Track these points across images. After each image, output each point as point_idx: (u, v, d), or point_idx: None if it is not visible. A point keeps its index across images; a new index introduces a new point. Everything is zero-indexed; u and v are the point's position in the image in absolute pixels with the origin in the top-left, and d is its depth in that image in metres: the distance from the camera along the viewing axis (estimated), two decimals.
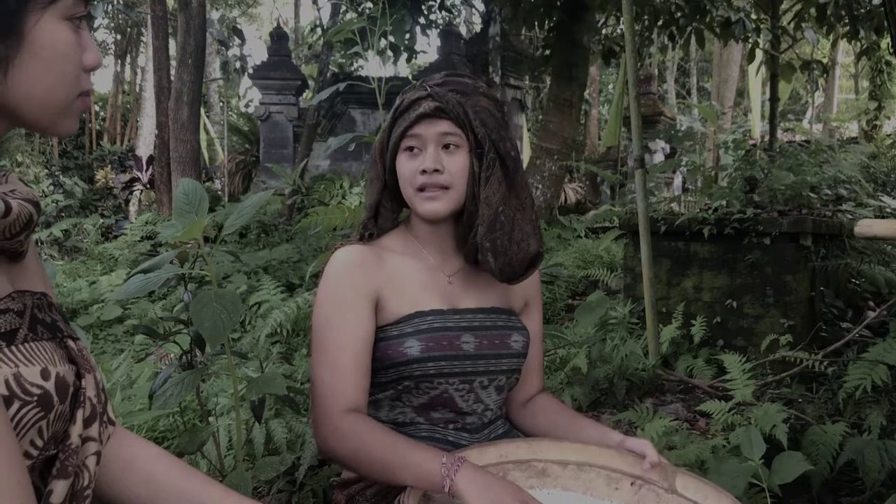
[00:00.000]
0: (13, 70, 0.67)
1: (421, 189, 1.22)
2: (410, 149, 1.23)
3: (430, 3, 8.78)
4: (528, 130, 12.75)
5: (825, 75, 8.54)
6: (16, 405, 0.64)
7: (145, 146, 14.70)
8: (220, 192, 11.61)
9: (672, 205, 4.97)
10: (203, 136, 12.12)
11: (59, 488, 0.70)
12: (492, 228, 1.20)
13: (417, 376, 1.20)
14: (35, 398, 0.66)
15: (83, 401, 0.73)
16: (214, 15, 16.38)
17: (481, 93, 1.25)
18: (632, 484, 1.16)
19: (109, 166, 14.32)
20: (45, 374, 0.67)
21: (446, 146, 1.22)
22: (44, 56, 0.68)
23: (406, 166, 1.24)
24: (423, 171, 1.21)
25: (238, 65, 12.22)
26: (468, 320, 1.26)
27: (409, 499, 1.02)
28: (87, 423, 0.74)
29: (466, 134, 1.21)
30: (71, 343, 0.75)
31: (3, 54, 0.66)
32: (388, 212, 1.31)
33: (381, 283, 1.23)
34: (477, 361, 1.23)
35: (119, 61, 20.62)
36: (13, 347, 0.66)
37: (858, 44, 7.08)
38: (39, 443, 0.68)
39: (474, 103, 1.23)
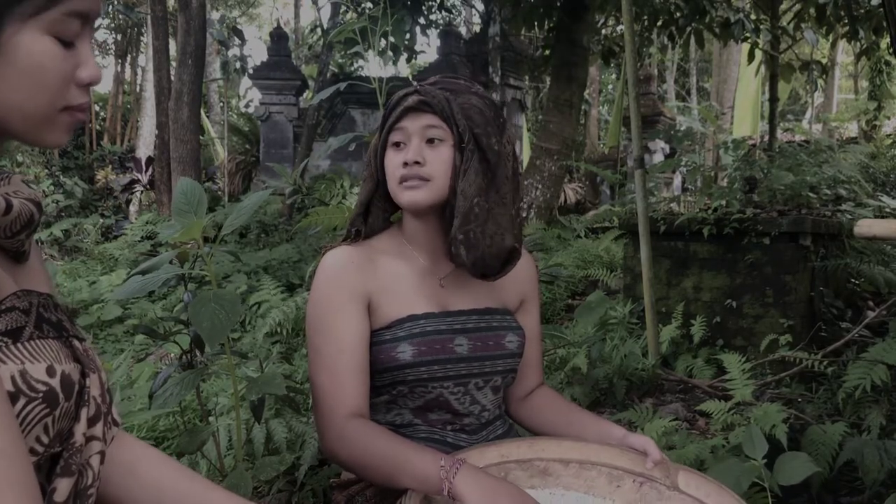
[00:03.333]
0: None
1: (403, 179, 1.22)
2: (397, 144, 1.23)
3: (430, 3, 8.79)
4: (528, 130, 12.75)
5: (824, 75, 8.53)
6: (21, 401, 0.65)
7: (145, 146, 14.69)
8: (220, 192, 11.61)
9: (672, 205, 4.98)
10: (203, 136, 12.12)
11: (63, 486, 0.70)
12: (466, 220, 1.19)
13: (411, 381, 1.19)
14: (41, 395, 0.66)
15: (88, 400, 0.73)
16: (214, 15, 16.38)
17: (473, 92, 1.24)
18: (633, 481, 1.16)
19: (110, 166, 14.32)
20: (50, 372, 0.68)
21: (430, 140, 1.21)
22: (21, 65, 0.67)
23: (392, 161, 1.23)
24: (405, 164, 1.20)
25: (238, 65, 12.22)
26: (461, 322, 1.25)
27: (410, 501, 1.02)
28: (92, 422, 0.74)
29: (451, 128, 1.20)
30: (76, 343, 0.75)
31: None
32: (379, 211, 1.30)
33: (372, 286, 1.22)
34: (471, 364, 1.23)
35: (119, 61, 20.62)
36: (19, 345, 0.67)
37: (858, 44, 7.08)
38: (45, 439, 0.68)
39: (464, 100, 1.22)
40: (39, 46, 0.68)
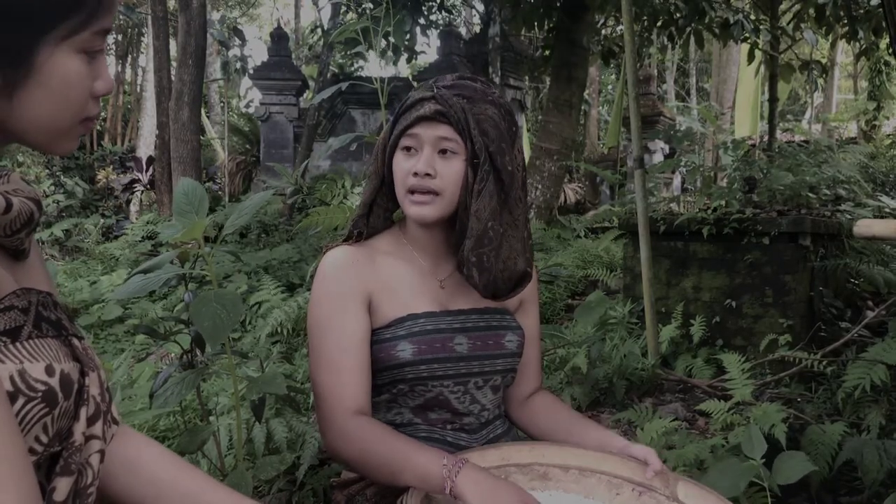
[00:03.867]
0: (18, 94, 0.68)
1: (411, 192, 1.20)
2: (407, 148, 1.21)
3: (430, 3, 8.79)
4: (528, 131, 12.75)
5: (824, 76, 8.53)
6: (20, 401, 0.65)
7: (146, 146, 14.69)
8: (220, 192, 11.61)
9: (671, 205, 4.99)
10: (203, 136, 12.13)
11: (63, 486, 0.70)
12: (479, 243, 1.18)
13: (411, 379, 1.20)
14: (40, 394, 0.66)
15: (87, 399, 0.73)
16: (215, 16, 16.38)
17: (490, 100, 1.22)
18: (633, 490, 1.16)
19: (110, 166, 14.32)
20: (49, 371, 0.68)
21: (443, 151, 1.19)
22: (52, 85, 0.69)
23: (401, 166, 1.22)
24: (416, 174, 1.19)
25: (238, 65, 12.23)
26: (461, 322, 1.25)
27: (411, 499, 1.02)
28: (91, 421, 0.74)
29: (465, 141, 1.18)
30: (75, 341, 0.75)
31: (10, 80, 0.67)
32: (381, 210, 1.30)
33: (373, 285, 1.23)
34: (471, 363, 1.23)
35: (120, 62, 20.64)
36: (18, 344, 0.67)
37: (857, 44, 7.09)
38: (44, 439, 0.68)
39: (480, 111, 1.19)
40: (72, 67, 0.70)
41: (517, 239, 1.24)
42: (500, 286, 1.23)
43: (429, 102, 1.19)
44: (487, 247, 1.19)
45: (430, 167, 1.19)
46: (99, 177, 13.79)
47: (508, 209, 1.23)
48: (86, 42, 0.70)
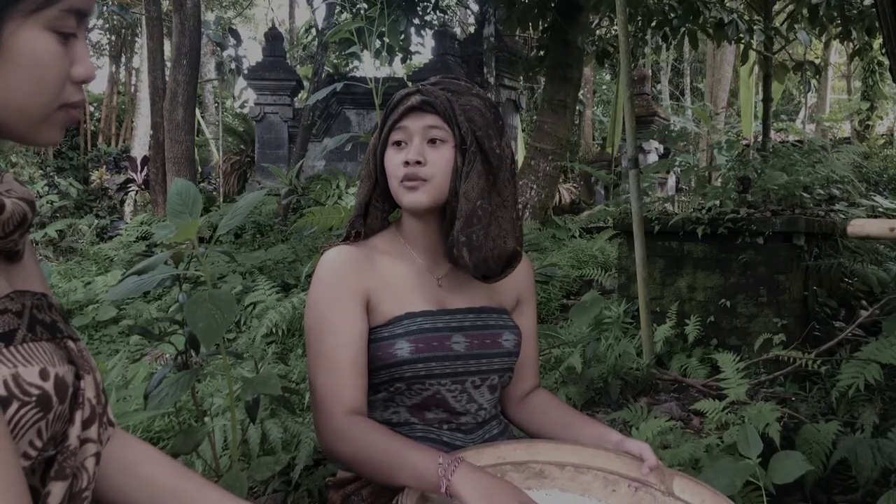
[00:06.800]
0: None
1: (403, 181, 1.23)
2: (398, 143, 1.24)
3: (425, 3, 8.79)
4: (523, 131, 12.76)
5: (818, 76, 8.56)
6: (14, 406, 0.64)
7: (140, 147, 14.64)
8: (215, 193, 11.58)
9: (666, 205, 4.99)
10: (198, 136, 12.10)
11: (57, 490, 0.70)
12: (468, 223, 1.20)
13: (408, 378, 1.20)
14: (34, 399, 0.66)
15: (82, 402, 0.73)
16: (209, 16, 16.35)
17: (474, 94, 1.26)
18: (629, 486, 1.16)
19: (104, 167, 14.27)
20: (44, 375, 0.67)
21: (432, 140, 1.23)
22: (21, 63, 0.67)
23: (392, 160, 1.25)
24: (407, 163, 1.22)
25: (233, 65, 12.21)
26: (458, 320, 1.26)
27: (407, 499, 1.02)
28: (86, 424, 0.74)
29: (452, 129, 1.22)
30: (70, 343, 0.75)
31: None
32: (378, 211, 1.31)
33: (371, 284, 1.23)
34: (468, 361, 1.24)
35: (114, 62, 20.56)
36: (12, 348, 0.66)
37: (851, 44, 7.12)
38: (38, 443, 0.68)
39: (465, 102, 1.23)
40: (40, 44, 0.68)
41: (506, 219, 1.26)
42: (491, 265, 1.24)
43: (414, 95, 1.23)
44: (476, 226, 1.21)
45: (420, 155, 1.21)
46: (93, 177, 13.76)
47: (497, 191, 1.25)
48: (55, 20, 0.68)
